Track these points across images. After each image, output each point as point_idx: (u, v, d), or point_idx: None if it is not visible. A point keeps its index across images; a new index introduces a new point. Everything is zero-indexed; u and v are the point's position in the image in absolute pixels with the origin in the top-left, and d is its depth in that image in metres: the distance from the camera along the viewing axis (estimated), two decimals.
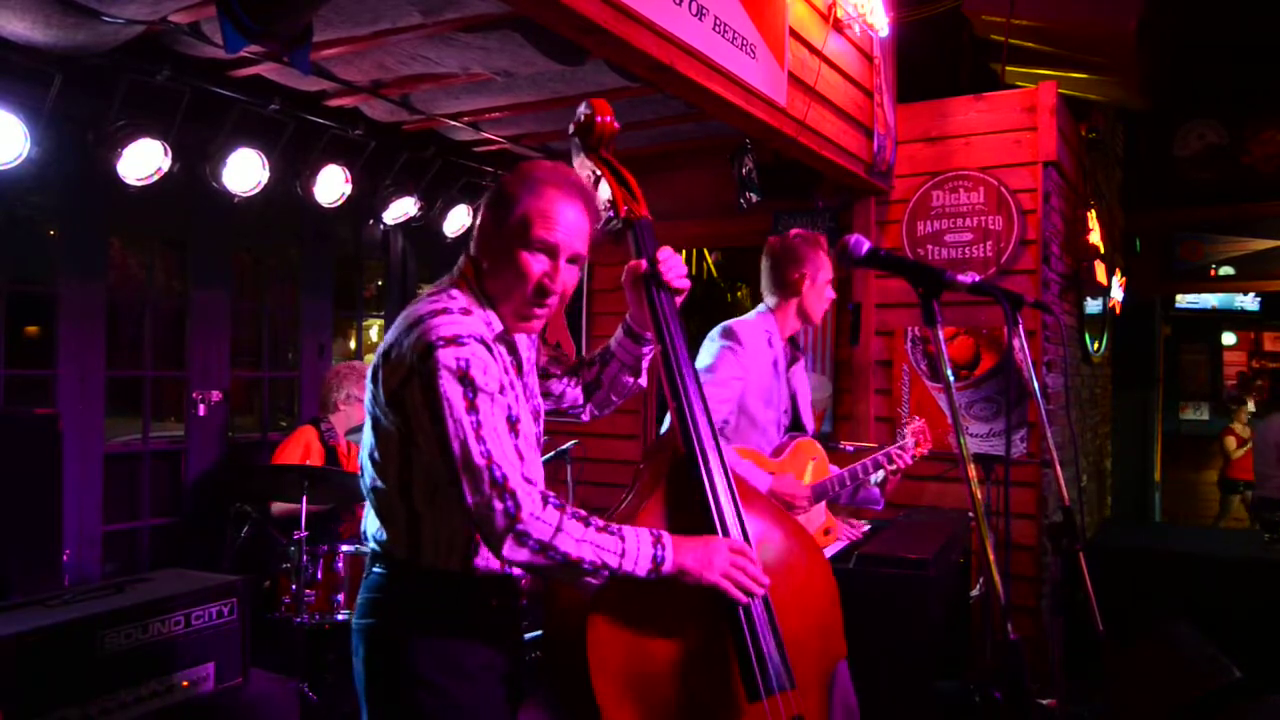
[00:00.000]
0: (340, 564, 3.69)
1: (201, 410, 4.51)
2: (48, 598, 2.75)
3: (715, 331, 2.91)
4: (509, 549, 1.55)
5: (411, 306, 1.70)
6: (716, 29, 3.16)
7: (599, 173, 1.93)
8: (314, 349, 5.10)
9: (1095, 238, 5.42)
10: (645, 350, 2.00)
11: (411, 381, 1.59)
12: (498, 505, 1.54)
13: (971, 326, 4.71)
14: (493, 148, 5.08)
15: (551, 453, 4.60)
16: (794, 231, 3.02)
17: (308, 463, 4.07)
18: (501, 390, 1.63)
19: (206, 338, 4.55)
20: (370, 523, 1.76)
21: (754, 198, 4.62)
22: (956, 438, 1.70)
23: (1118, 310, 6.81)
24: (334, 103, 4.23)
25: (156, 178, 3.66)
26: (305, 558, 3.56)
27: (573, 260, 1.73)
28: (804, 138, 3.87)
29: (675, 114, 4.45)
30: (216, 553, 4.24)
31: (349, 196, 4.41)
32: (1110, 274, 6.19)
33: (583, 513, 1.61)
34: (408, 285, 5.69)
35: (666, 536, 1.65)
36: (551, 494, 1.61)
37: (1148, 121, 7.28)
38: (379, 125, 4.56)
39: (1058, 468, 2.15)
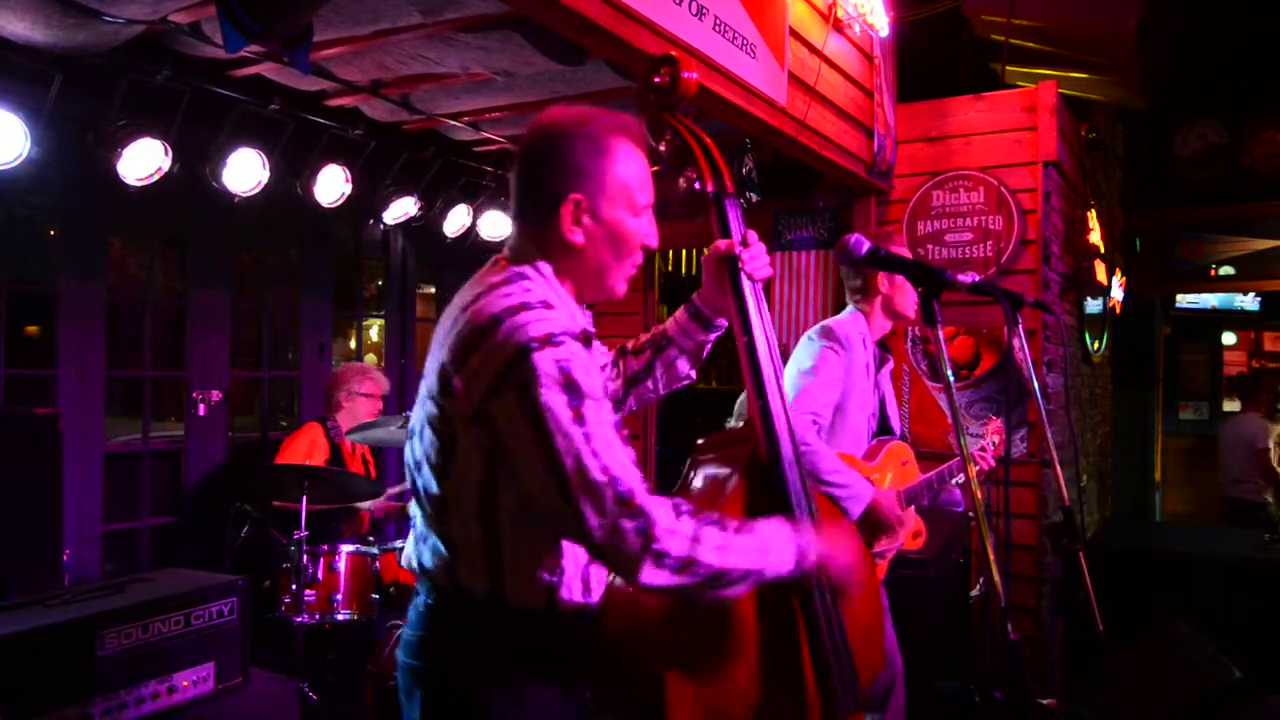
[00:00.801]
0: (340, 564, 3.69)
1: (201, 410, 4.51)
2: (48, 598, 2.75)
3: (813, 331, 2.87)
4: (647, 574, 1.34)
5: (473, 302, 1.45)
6: (716, 29, 3.16)
7: (682, 139, 1.72)
8: (314, 349, 5.10)
9: (1095, 238, 5.42)
10: (711, 336, 1.83)
11: (501, 393, 1.36)
12: (628, 525, 1.33)
13: (971, 326, 4.71)
14: (493, 148, 5.08)
15: None
16: (853, 236, 2.97)
17: (312, 460, 4.08)
18: (603, 391, 1.42)
19: (206, 338, 4.55)
20: (425, 550, 1.52)
21: (754, 197, 4.61)
22: (956, 438, 1.70)
23: (1118, 310, 6.80)
24: (334, 103, 4.22)
25: (156, 178, 3.66)
26: (305, 558, 3.56)
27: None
28: (804, 138, 3.87)
29: None
30: (216, 553, 4.24)
31: (349, 196, 4.41)
32: (1110, 274, 6.19)
33: (713, 515, 1.41)
34: (408, 285, 5.69)
35: (806, 527, 1.52)
36: (680, 500, 1.41)
37: (1148, 121, 7.27)
38: (379, 125, 4.56)
39: (1058, 468, 2.15)
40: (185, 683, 2.80)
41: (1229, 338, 9.96)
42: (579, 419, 1.35)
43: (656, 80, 1.71)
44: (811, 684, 1.63)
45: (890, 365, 3.02)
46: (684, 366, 1.87)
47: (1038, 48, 5.10)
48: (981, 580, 4.07)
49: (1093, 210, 5.48)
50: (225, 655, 2.92)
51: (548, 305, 1.42)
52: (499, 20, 3.30)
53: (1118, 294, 6.69)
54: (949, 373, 1.75)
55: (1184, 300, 9.19)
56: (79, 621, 2.58)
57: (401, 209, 4.81)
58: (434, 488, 1.48)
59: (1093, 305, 5.92)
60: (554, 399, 1.34)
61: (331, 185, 4.33)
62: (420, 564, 1.53)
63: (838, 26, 4.09)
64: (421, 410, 1.49)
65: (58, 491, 3.45)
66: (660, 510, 1.35)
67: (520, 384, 1.35)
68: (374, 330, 6.54)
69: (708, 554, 1.36)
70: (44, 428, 3.42)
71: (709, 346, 1.86)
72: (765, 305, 1.72)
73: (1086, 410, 6.06)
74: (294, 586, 3.56)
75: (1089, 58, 5.16)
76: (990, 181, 4.72)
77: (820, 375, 2.75)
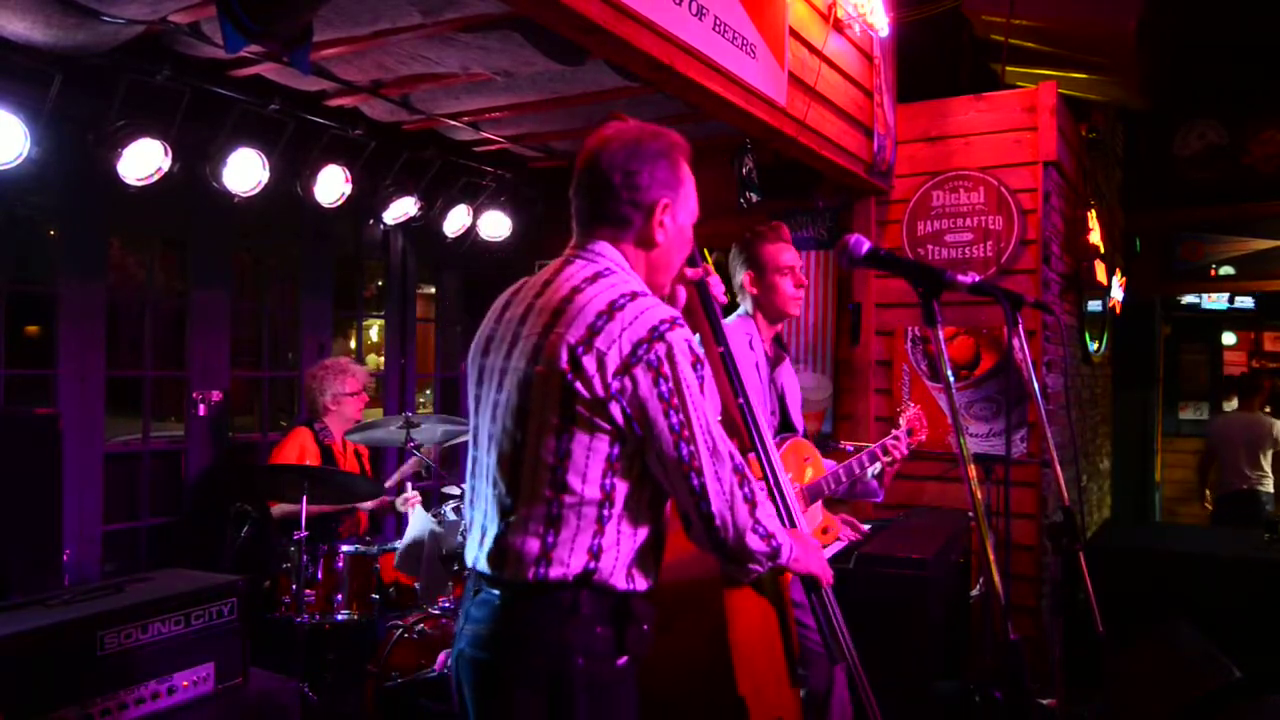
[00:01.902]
0: (340, 564, 3.69)
1: (201, 410, 4.52)
2: (48, 598, 2.75)
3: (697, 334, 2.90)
4: (752, 539, 1.52)
5: (575, 291, 1.57)
6: (716, 29, 3.16)
7: None
8: (314, 349, 5.10)
9: (1095, 238, 5.42)
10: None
11: (633, 372, 1.48)
12: (741, 493, 1.50)
13: (971, 326, 4.71)
14: (493, 148, 5.08)
15: None
16: (748, 232, 3.00)
17: (305, 464, 4.07)
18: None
19: (206, 338, 4.55)
20: (523, 540, 1.53)
21: (754, 198, 4.62)
22: (956, 438, 1.70)
23: (1118, 310, 6.80)
24: (334, 103, 4.23)
25: (156, 178, 3.66)
26: (305, 558, 3.56)
27: None
28: (804, 138, 3.87)
29: (675, 114, 4.45)
30: (216, 553, 4.24)
31: (349, 196, 4.41)
32: (1110, 274, 6.19)
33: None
34: (408, 285, 5.69)
35: (789, 534, 1.71)
36: None
37: (1148, 121, 7.27)
38: (379, 125, 4.56)
39: (1058, 468, 2.15)
40: (185, 683, 2.80)
41: (1229, 338, 9.96)
42: (705, 392, 1.51)
43: None
44: (780, 644, 1.96)
45: (787, 361, 3.02)
46: None
47: (1038, 48, 5.10)
48: (981, 580, 4.07)
49: (1093, 210, 5.48)
50: (225, 655, 2.92)
51: (649, 294, 1.59)
52: (499, 20, 3.30)
53: (1118, 294, 6.68)
54: (949, 373, 1.75)
55: (1189, 298, 9.17)
56: (79, 621, 2.58)
57: (401, 209, 4.81)
58: (538, 476, 1.52)
59: (1093, 305, 5.92)
60: (689, 375, 1.49)
61: (331, 185, 4.33)
62: (505, 552, 1.54)
63: (838, 26, 4.09)
64: (515, 394, 1.55)
65: (58, 491, 3.45)
66: (757, 484, 1.54)
67: (655, 361, 1.48)
68: (374, 330, 6.54)
69: (779, 532, 1.58)
70: (44, 428, 3.42)
71: None
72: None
73: (1086, 410, 6.06)
74: (294, 586, 3.56)
75: (1089, 58, 5.16)
76: (990, 181, 4.72)
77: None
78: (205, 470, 4.53)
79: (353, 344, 6.36)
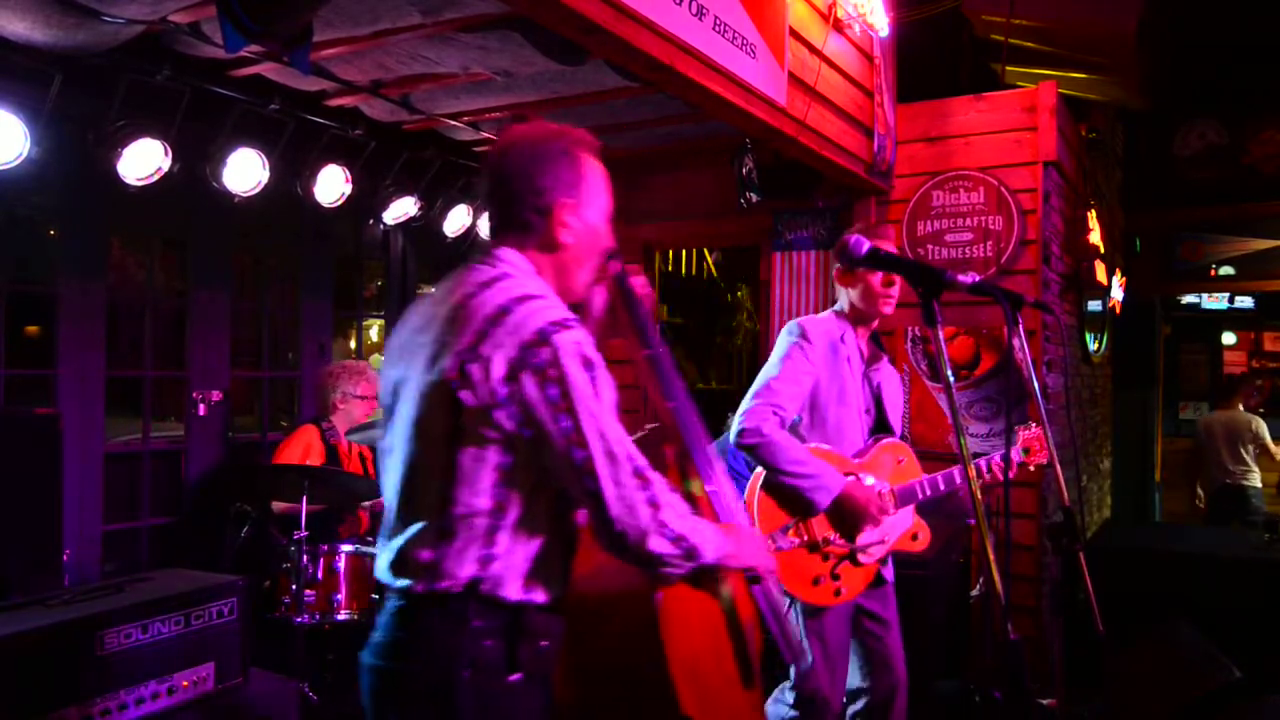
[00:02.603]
0: (340, 564, 3.69)
1: (201, 410, 4.52)
2: (48, 598, 2.75)
3: (787, 326, 2.87)
4: (654, 543, 1.45)
5: (469, 298, 1.54)
6: (716, 29, 3.16)
7: None
8: (314, 349, 5.11)
9: (1095, 238, 5.42)
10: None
11: (520, 378, 1.44)
12: (642, 495, 1.45)
13: (971, 326, 4.71)
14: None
15: None
16: (853, 236, 2.97)
17: (309, 462, 4.08)
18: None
19: (206, 338, 4.55)
20: (417, 551, 1.52)
21: (754, 197, 4.62)
22: (956, 438, 1.70)
23: (1118, 310, 6.80)
24: (334, 103, 4.23)
25: (156, 178, 3.66)
26: (305, 558, 3.56)
27: None
28: (804, 138, 3.87)
29: (675, 114, 4.45)
30: (216, 553, 4.24)
31: (349, 196, 4.41)
32: (1110, 274, 6.19)
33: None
34: (408, 285, 5.69)
35: (717, 530, 1.63)
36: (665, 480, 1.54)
37: (1148, 121, 7.27)
38: (379, 125, 4.56)
39: (1058, 468, 2.15)
40: (185, 683, 2.80)
41: (1229, 338, 9.97)
42: (597, 395, 1.46)
43: None
44: (731, 646, 1.87)
45: (885, 363, 2.97)
46: None
47: (1038, 48, 5.10)
48: (981, 580, 4.07)
49: (1093, 210, 5.48)
50: (225, 655, 2.92)
51: (544, 296, 1.55)
52: (499, 20, 3.30)
53: (1118, 294, 6.69)
54: (949, 373, 1.75)
55: (1189, 297, 9.17)
56: (79, 621, 2.58)
57: (401, 209, 4.81)
58: (431, 489, 1.51)
59: (1093, 305, 5.92)
60: (579, 376, 1.45)
61: (331, 185, 4.33)
62: (404, 562, 1.54)
63: (838, 26, 4.09)
64: (413, 405, 1.54)
65: (58, 491, 3.45)
66: (664, 488, 1.48)
67: (542, 365, 1.44)
68: (374, 330, 6.54)
69: (694, 532, 1.50)
70: (44, 428, 3.42)
71: None
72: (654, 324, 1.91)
73: (1086, 410, 6.06)
74: (294, 586, 3.56)
75: (1089, 58, 5.16)
76: (990, 181, 4.72)
77: (783, 369, 2.74)
78: (205, 470, 4.53)
79: (353, 344, 6.36)
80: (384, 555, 1.59)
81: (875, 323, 2.91)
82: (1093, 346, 6.05)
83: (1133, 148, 7.64)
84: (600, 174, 1.72)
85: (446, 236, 5.21)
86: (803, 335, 2.79)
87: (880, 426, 2.93)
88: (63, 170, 3.76)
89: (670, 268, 7.71)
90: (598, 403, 1.45)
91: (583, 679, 1.71)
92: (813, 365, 2.76)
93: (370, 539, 4.04)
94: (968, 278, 1.80)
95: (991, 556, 1.58)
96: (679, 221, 5.51)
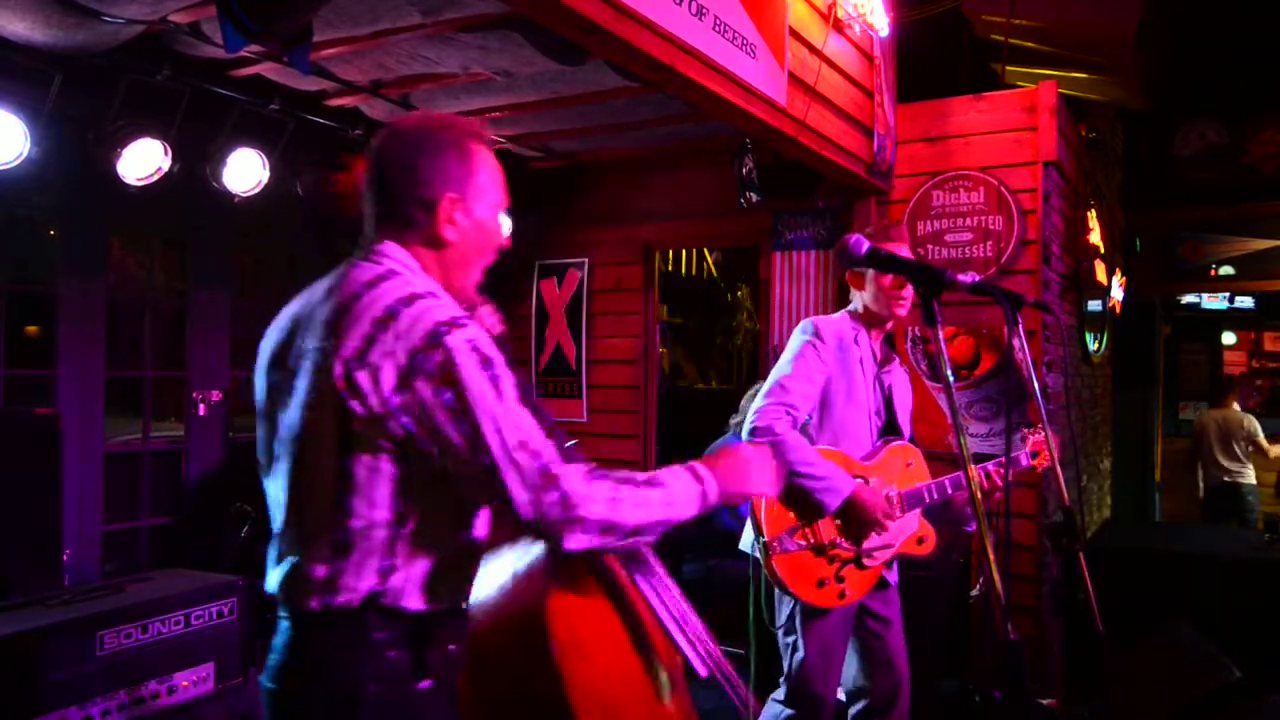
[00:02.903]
0: None
1: (201, 410, 4.52)
2: (48, 598, 2.75)
3: (801, 325, 2.86)
4: (572, 540, 1.40)
5: (354, 298, 1.46)
6: (716, 29, 3.16)
7: None
8: None
9: (1095, 238, 5.42)
10: None
11: (413, 384, 1.38)
12: (551, 497, 1.38)
13: (971, 326, 4.71)
14: (493, 148, 5.08)
15: None
16: (853, 236, 2.95)
17: None
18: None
19: (206, 338, 4.55)
20: (310, 568, 1.44)
21: (754, 197, 4.62)
22: (956, 438, 1.70)
23: (1118, 310, 6.80)
24: (334, 103, 4.22)
25: (156, 178, 3.66)
26: None
27: None
28: (804, 138, 3.87)
29: (675, 114, 4.45)
30: (216, 553, 4.24)
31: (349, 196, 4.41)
32: (1110, 274, 6.19)
33: (621, 472, 1.49)
34: None
35: (700, 465, 1.59)
36: (587, 462, 1.47)
37: (1148, 121, 7.27)
38: (379, 125, 4.55)
39: (1058, 468, 2.15)
40: (185, 683, 2.80)
41: (1229, 338, 9.97)
42: (499, 394, 1.39)
43: None
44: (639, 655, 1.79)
45: (897, 365, 2.96)
46: None
47: (1038, 48, 5.10)
48: (981, 580, 4.07)
49: (1093, 210, 5.48)
50: (225, 655, 2.93)
51: (435, 294, 1.47)
52: (499, 20, 3.30)
53: (1118, 294, 6.69)
54: (949, 373, 1.75)
55: (1190, 297, 9.18)
56: (79, 621, 2.58)
57: None
58: (323, 502, 1.44)
59: (1093, 305, 5.92)
60: (474, 375, 1.38)
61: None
62: (297, 579, 1.47)
63: (838, 26, 4.09)
64: (297, 414, 1.46)
65: (58, 491, 3.45)
66: (576, 479, 1.40)
67: (435, 368, 1.37)
68: None
69: (625, 513, 1.44)
70: (44, 428, 3.43)
71: None
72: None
73: (1086, 410, 6.06)
74: None
75: (1089, 58, 5.16)
76: (990, 181, 4.71)
77: (795, 368, 2.73)
78: (205, 470, 4.53)
79: None
80: (274, 573, 1.51)
81: (889, 324, 2.89)
82: (1093, 346, 6.05)
83: (1133, 148, 7.64)
84: (493, 168, 1.63)
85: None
86: (816, 334, 2.78)
87: (890, 429, 2.92)
88: (63, 170, 3.75)
89: (670, 268, 7.70)
90: (499, 403, 1.39)
91: (482, 711, 1.66)
92: (825, 364, 2.75)
93: None
94: (968, 278, 1.80)
95: (991, 556, 1.58)
96: (679, 221, 5.51)
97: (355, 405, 1.40)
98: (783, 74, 3.62)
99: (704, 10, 3.07)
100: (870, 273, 2.79)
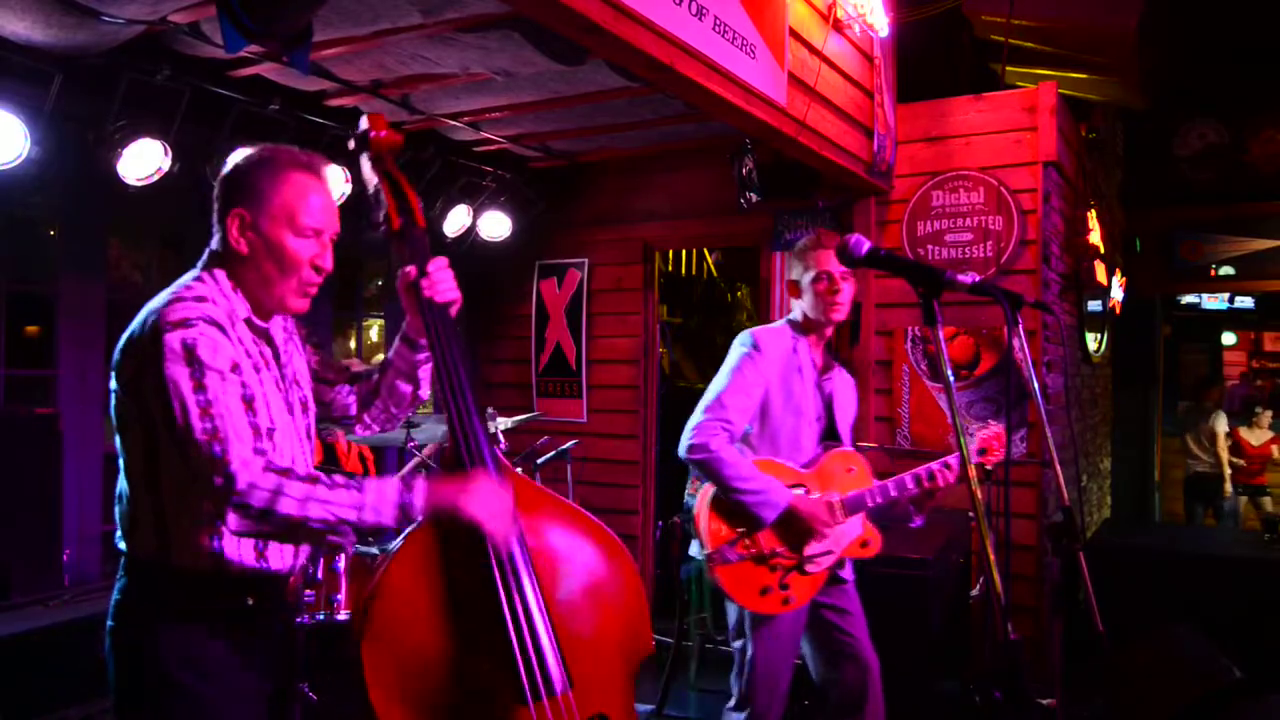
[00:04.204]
0: (340, 564, 3.69)
1: None
2: (48, 598, 2.76)
3: (739, 337, 2.87)
4: (233, 521, 1.59)
5: (155, 298, 1.71)
6: (716, 29, 3.16)
7: (377, 183, 1.97)
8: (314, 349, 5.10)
9: (1095, 238, 5.42)
10: (421, 358, 2.00)
11: (143, 371, 1.61)
12: (217, 480, 1.55)
13: (971, 326, 4.71)
14: (493, 148, 5.08)
15: (552, 452, 4.59)
16: (854, 236, 2.93)
17: None
18: (235, 369, 1.63)
19: None
20: (120, 524, 1.73)
21: (754, 198, 4.62)
22: (956, 438, 1.70)
23: (1118, 310, 6.81)
24: (334, 103, 4.23)
25: (156, 178, 3.66)
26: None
27: (333, 240, 1.84)
28: (804, 138, 3.87)
29: (675, 114, 4.45)
30: None
31: (349, 196, 4.40)
32: (1110, 274, 6.19)
33: (317, 473, 1.63)
34: None
35: (420, 480, 1.67)
36: (286, 462, 1.67)
37: (1148, 121, 7.27)
38: None
39: (1058, 468, 2.15)
40: None
41: (1229, 338, 9.97)
42: (200, 388, 1.58)
43: (359, 129, 1.94)
44: (500, 656, 1.73)
45: (838, 372, 2.96)
46: (404, 386, 2.02)
47: (1038, 48, 5.10)
48: (981, 580, 4.07)
49: (1093, 210, 5.48)
50: None
51: (200, 299, 1.66)
52: (499, 20, 3.30)
53: (1118, 294, 6.69)
54: (949, 373, 1.75)
55: (1190, 297, 9.19)
56: (79, 621, 2.58)
57: None
58: (119, 464, 1.71)
59: (1093, 305, 5.92)
60: (178, 370, 1.57)
61: (332, 185, 4.32)
62: (118, 536, 1.73)
63: (838, 27, 4.09)
64: (112, 397, 1.72)
65: (58, 491, 3.45)
66: (246, 467, 1.57)
67: (154, 360, 1.58)
68: (374, 330, 6.53)
69: (287, 505, 1.57)
70: (44, 428, 3.43)
71: (424, 369, 2.02)
72: (451, 324, 1.90)
73: (1086, 410, 6.06)
74: None
75: (1089, 58, 5.16)
76: (990, 182, 4.72)
77: (733, 382, 2.76)
78: None
79: (353, 344, 6.36)
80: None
81: (829, 331, 2.90)
82: (1093, 346, 6.05)
83: (1133, 148, 7.64)
84: (302, 190, 1.77)
85: (446, 237, 5.20)
86: (754, 346, 2.80)
87: (831, 434, 2.92)
88: (63, 170, 3.75)
89: (670, 268, 7.70)
90: (196, 395, 1.57)
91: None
92: (763, 376, 2.77)
93: (371, 539, 4.04)
94: (968, 278, 1.80)
95: (991, 556, 1.58)
96: (679, 221, 5.51)
97: (116, 385, 1.70)
98: (783, 74, 3.62)
99: (704, 10, 3.07)
100: (806, 279, 2.81)
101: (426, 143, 4.83)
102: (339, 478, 1.64)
